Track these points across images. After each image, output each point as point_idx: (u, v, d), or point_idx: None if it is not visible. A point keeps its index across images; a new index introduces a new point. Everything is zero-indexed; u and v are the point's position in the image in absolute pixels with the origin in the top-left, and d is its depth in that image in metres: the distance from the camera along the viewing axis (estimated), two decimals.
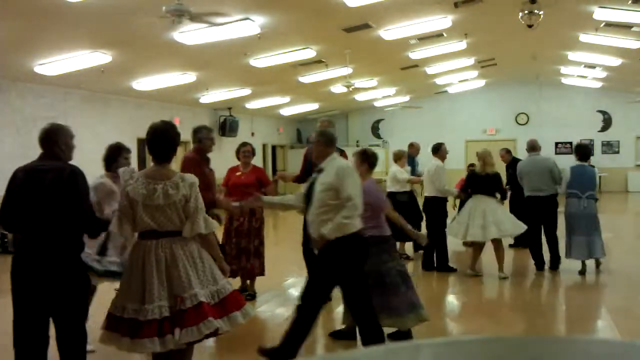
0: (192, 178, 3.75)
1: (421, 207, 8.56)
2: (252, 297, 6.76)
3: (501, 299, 6.98)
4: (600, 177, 22.28)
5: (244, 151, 6.90)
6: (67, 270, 3.70)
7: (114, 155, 5.04)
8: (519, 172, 8.48)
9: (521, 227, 7.72)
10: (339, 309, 5.89)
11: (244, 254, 6.63)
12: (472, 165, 10.81)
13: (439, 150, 8.30)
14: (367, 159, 5.10)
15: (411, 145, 10.28)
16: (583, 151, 8.49)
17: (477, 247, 7.81)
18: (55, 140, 3.89)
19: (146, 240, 3.67)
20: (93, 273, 4.25)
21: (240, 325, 3.81)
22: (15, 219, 3.78)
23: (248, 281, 6.85)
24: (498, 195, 7.87)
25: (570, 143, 23.19)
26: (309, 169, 5.41)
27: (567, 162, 23.38)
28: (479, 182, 7.71)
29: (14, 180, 3.80)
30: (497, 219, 7.50)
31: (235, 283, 6.94)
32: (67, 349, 3.76)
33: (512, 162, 9.69)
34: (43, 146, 3.88)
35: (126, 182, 3.70)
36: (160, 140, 3.80)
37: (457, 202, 9.89)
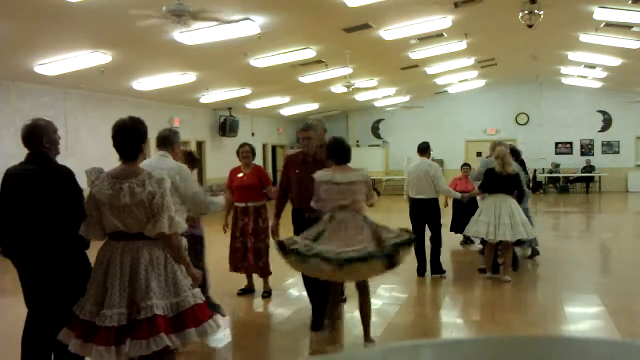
0: (160, 175, 3.56)
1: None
2: (269, 294, 6.83)
3: (501, 299, 6.98)
4: (600, 176, 22.40)
5: (243, 152, 6.92)
6: (70, 270, 3.70)
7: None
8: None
9: (533, 233, 7.70)
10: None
11: (252, 254, 6.65)
12: (466, 164, 10.79)
13: (427, 149, 8.20)
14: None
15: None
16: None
17: (490, 248, 7.68)
18: (40, 138, 3.76)
19: (114, 241, 3.50)
20: None
21: (195, 342, 3.56)
22: (7, 225, 3.74)
23: (256, 279, 6.90)
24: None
25: (571, 143, 23.22)
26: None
27: (566, 162, 23.49)
28: (499, 182, 7.49)
29: (4, 185, 3.76)
30: (522, 219, 7.46)
31: (240, 282, 6.97)
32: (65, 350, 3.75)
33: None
34: (27, 146, 3.78)
35: (92, 183, 3.51)
36: (126, 137, 3.59)
37: (450, 200, 9.86)
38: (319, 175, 5.01)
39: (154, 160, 4.83)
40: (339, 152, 5.08)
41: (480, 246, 8.99)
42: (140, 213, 3.44)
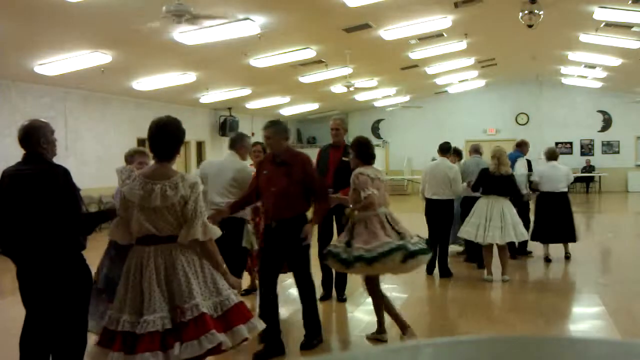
0: (193, 178, 3.46)
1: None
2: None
3: (501, 299, 6.98)
4: (600, 176, 22.40)
5: (255, 150, 6.92)
6: (67, 271, 3.69)
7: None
8: (539, 176, 8.48)
9: (523, 235, 7.62)
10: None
11: (255, 253, 6.62)
12: None
13: (449, 150, 8.05)
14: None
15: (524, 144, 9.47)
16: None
17: (488, 250, 7.63)
18: (37, 139, 3.73)
19: (144, 245, 3.37)
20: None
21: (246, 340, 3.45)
22: (5, 225, 3.74)
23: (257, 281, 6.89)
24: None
25: (571, 143, 23.22)
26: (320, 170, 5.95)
27: (566, 162, 23.48)
28: (493, 182, 7.36)
29: (1, 186, 3.76)
30: (514, 221, 7.38)
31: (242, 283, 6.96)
32: (64, 350, 3.75)
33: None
34: (24, 146, 3.76)
35: (123, 182, 3.46)
36: (163, 136, 3.46)
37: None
38: (368, 171, 5.07)
39: (225, 158, 6.02)
40: (370, 153, 5.26)
41: (461, 249, 8.95)
42: (171, 216, 3.33)
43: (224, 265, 3.56)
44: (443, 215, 7.71)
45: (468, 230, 7.45)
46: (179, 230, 3.37)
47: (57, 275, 3.66)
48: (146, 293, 3.25)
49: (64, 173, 3.69)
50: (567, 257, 8.62)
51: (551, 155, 8.72)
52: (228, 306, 3.36)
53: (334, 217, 6.18)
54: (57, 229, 3.63)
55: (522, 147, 9.40)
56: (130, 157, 4.92)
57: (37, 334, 3.72)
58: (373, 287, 5.15)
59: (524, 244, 8.46)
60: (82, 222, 3.77)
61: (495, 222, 7.24)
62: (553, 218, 8.31)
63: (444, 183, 7.64)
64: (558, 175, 8.53)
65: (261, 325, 3.54)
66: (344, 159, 6.09)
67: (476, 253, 8.08)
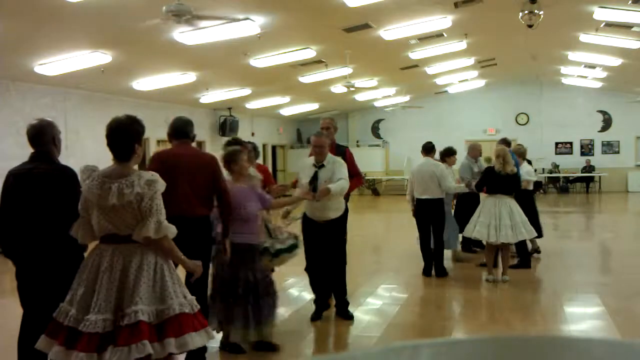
0: (151, 176, 3.36)
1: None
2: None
3: (501, 299, 6.98)
4: (600, 176, 22.41)
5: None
6: (67, 271, 3.66)
7: None
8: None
9: (533, 232, 7.64)
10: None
11: None
12: None
13: (433, 149, 8.12)
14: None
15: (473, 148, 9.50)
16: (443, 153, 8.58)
17: (490, 250, 7.62)
18: (51, 137, 3.74)
19: (104, 244, 3.36)
20: None
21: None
22: (9, 225, 3.74)
23: None
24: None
25: (571, 143, 23.22)
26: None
27: (566, 162, 23.46)
28: (499, 182, 7.38)
29: (6, 186, 3.75)
30: (522, 219, 7.39)
31: None
32: None
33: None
34: (35, 144, 3.75)
35: (83, 182, 3.38)
36: (120, 136, 3.43)
37: (454, 201, 9.81)
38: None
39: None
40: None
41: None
42: (128, 215, 3.29)
43: (181, 255, 3.48)
44: (434, 214, 7.73)
45: (479, 230, 7.42)
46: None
47: (57, 276, 3.65)
48: (96, 292, 3.24)
49: (72, 175, 3.71)
50: (538, 251, 8.73)
51: (520, 155, 8.72)
52: (167, 316, 3.26)
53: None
54: (62, 230, 3.62)
55: (472, 151, 9.44)
56: None
57: (35, 333, 3.71)
58: None
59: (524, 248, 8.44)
60: None
61: (505, 220, 7.25)
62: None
63: (432, 182, 7.68)
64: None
65: (195, 343, 3.34)
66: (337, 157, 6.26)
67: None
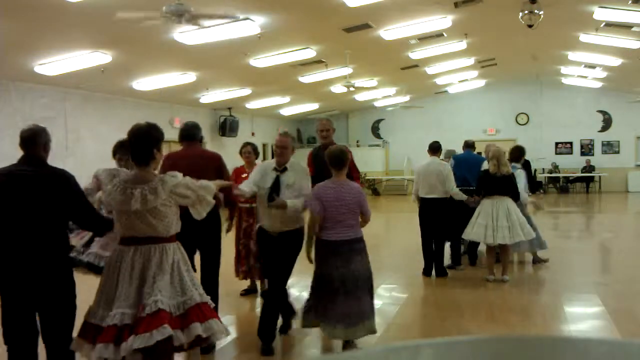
0: (172, 180, 3.55)
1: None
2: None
3: (501, 299, 6.98)
4: (600, 176, 22.41)
5: (245, 152, 6.95)
6: (53, 270, 3.70)
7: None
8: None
9: (531, 234, 7.60)
10: None
11: (254, 256, 6.61)
12: None
13: (440, 149, 8.09)
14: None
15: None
16: (517, 154, 8.33)
17: (491, 251, 7.58)
18: (42, 141, 3.81)
19: (124, 246, 3.56)
20: (76, 266, 4.18)
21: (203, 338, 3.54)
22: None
23: (258, 282, 6.88)
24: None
25: (571, 143, 23.23)
26: (321, 170, 5.56)
27: (566, 162, 23.45)
28: (494, 183, 7.35)
29: None
30: (520, 219, 7.38)
31: (243, 283, 6.96)
32: (53, 348, 3.76)
33: (524, 164, 9.32)
34: (27, 148, 3.80)
35: (105, 186, 3.54)
36: (138, 142, 3.63)
37: None
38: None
39: None
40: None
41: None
42: (153, 218, 3.49)
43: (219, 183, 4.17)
44: (437, 214, 7.71)
45: (477, 232, 7.43)
46: (158, 231, 3.55)
47: (40, 273, 3.66)
48: (118, 290, 3.44)
49: (68, 177, 3.75)
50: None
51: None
52: (189, 305, 3.50)
53: None
54: (51, 231, 3.67)
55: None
56: (115, 150, 4.83)
57: (18, 328, 3.73)
58: None
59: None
60: (98, 220, 3.87)
61: (502, 221, 7.24)
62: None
63: (439, 181, 7.66)
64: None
65: (220, 329, 3.62)
66: None
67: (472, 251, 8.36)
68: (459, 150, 9.50)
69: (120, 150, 4.71)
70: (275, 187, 4.79)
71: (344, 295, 4.70)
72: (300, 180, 4.88)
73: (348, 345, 4.93)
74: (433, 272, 7.83)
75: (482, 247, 8.26)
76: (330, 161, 4.93)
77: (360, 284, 4.75)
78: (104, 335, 3.33)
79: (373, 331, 4.85)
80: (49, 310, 3.72)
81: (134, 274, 3.45)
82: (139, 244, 3.51)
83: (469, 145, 9.16)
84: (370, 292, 4.91)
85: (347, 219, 4.78)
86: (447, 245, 8.23)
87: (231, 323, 5.87)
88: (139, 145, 3.61)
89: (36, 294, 3.67)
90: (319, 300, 4.85)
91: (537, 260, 8.47)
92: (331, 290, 4.72)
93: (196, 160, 5.05)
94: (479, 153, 9.53)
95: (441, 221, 7.74)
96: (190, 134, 5.33)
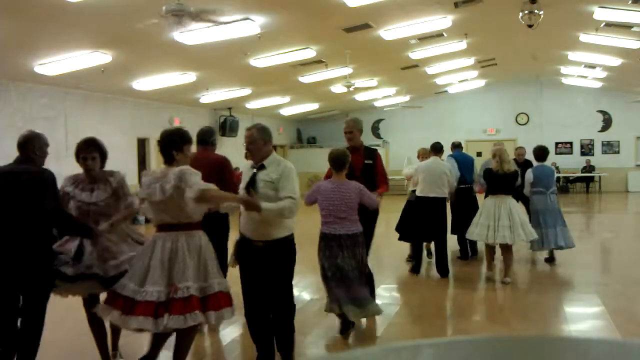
0: (182, 169, 3.99)
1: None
2: None
3: (501, 299, 6.98)
4: (600, 176, 22.41)
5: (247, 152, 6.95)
6: (34, 258, 3.96)
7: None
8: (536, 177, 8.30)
9: (532, 234, 7.56)
10: None
11: None
12: None
13: (442, 149, 8.17)
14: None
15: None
16: (540, 153, 8.36)
17: (490, 247, 7.61)
18: (32, 146, 4.17)
19: (157, 232, 4.10)
20: (62, 280, 4.13)
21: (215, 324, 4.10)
22: None
23: None
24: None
25: (571, 143, 23.23)
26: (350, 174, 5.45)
27: (566, 162, 23.43)
28: (497, 181, 7.37)
29: None
30: (522, 219, 7.38)
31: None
32: (28, 326, 4.00)
33: (524, 164, 9.33)
34: (20, 151, 4.17)
35: (139, 183, 4.14)
36: (162, 143, 4.23)
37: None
38: None
39: None
40: None
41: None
42: (173, 206, 3.98)
43: (230, 196, 4.45)
44: (438, 214, 7.74)
45: (479, 232, 7.43)
46: (183, 218, 4.03)
47: (22, 260, 3.92)
48: (151, 270, 3.91)
49: (44, 177, 4.05)
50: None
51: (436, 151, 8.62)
52: (209, 292, 3.98)
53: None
54: (33, 221, 3.96)
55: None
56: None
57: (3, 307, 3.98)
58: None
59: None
60: (59, 215, 4.12)
61: (503, 221, 7.24)
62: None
63: (441, 181, 7.72)
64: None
65: (229, 317, 4.14)
66: (367, 161, 5.95)
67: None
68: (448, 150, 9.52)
69: (84, 150, 4.44)
70: (251, 185, 4.31)
71: (349, 281, 5.15)
72: (284, 181, 4.27)
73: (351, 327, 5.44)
74: (434, 272, 7.85)
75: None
76: (331, 162, 5.23)
77: (358, 273, 5.23)
78: (144, 309, 3.79)
79: (379, 312, 5.52)
80: (29, 292, 4.00)
81: (164, 256, 3.92)
82: (168, 230, 4.03)
83: (456, 146, 9.51)
84: (368, 280, 5.44)
85: (348, 216, 5.16)
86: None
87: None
88: (162, 147, 4.22)
89: (19, 278, 3.94)
90: (331, 287, 5.20)
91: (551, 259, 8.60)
92: (339, 278, 5.14)
93: (203, 163, 5.10)
94: (479, 153, 9.71)
95: (440, 221, 7.75)
96: (201, 139, 5.78)
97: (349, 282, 5.16)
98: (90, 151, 4.40)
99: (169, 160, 4.14)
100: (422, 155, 8.50)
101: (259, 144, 4.40)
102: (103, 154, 4.48)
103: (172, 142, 4.17)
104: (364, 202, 5.25)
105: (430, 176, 7.76)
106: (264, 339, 4.44)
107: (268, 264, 4.29)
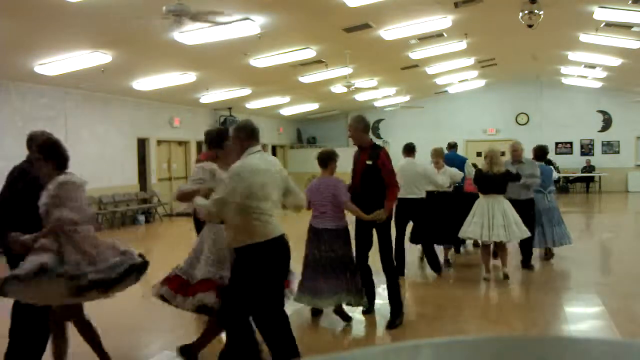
0: (209, 166, 4.55)
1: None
2: None
3: (501, 299, 6.98)
4: (600, 176, 22.41)
5: None
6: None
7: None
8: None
9: (527, 232, 7.60)
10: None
11: None
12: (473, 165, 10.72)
13: (414, 149, 8.22)
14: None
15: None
16: (539, 153, 8.45)
17: (486, 250, 7.67)
18: (30, 145, 4.28)
19: (206, 224, 4.60)
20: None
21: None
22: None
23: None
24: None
25: (571, 143, 23.22)
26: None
27: (566, 162, 23.41)
28: (488, 182, 7.49)
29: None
30: (516, 219, 7.44)
31: None
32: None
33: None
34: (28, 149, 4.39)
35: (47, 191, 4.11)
36: (206, 142, 4.94)
37: None
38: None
39: None
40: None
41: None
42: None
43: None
44: (416, 213, 7.89)
45: (473, 230, 7.50)
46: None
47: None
48: (200, 257, 4.46)
49: (13, 170, 4.28)
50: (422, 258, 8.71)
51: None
52: (222, 282, 4.34)
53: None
54: (19, 212, 4.10)
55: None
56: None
57: None
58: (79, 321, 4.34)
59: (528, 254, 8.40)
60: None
61: (497, 220, 7.34)
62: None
63: (417, 181, 7.84)
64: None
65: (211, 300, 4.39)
66: (367, 162, 5.59)
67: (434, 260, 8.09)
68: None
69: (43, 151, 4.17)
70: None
71: (327, 272, 5.54)
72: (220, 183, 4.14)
73: (338, 314, 5.81)
74: (426, 272, 7.86)
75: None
76: (317, 161, 5.76)
77: (337, 265, 5.57)
78: (204, 286, 4.27)
79: (358, 304, 5.80)
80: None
81: (209, 247, 4.45)
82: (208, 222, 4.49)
83: (452, 146, 9.67)
84: (351, 273, 5.69)
85: (327, 210, 5.58)
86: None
87: None
88: (207, 145, 4.89)
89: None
90: (305, 277, 5.60)
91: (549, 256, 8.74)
92: (315, 269, 5.55)
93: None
94: (479, 153, 9.71)
95: (420, 219, 7.94)
96: (213, 140, 5.37)
97: (324, 274, 5.54)
98: (33, 152, 4.09)
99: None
100: (436, 155, 8.50)
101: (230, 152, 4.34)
102: (50, 155, 4.00)
103: (210, 141, 4.86)
104: (337, 200, 5.55)
105: (404, 178, 7.65)
106: (247, 340, 4.21)
107: (233, 271, 4.12)
